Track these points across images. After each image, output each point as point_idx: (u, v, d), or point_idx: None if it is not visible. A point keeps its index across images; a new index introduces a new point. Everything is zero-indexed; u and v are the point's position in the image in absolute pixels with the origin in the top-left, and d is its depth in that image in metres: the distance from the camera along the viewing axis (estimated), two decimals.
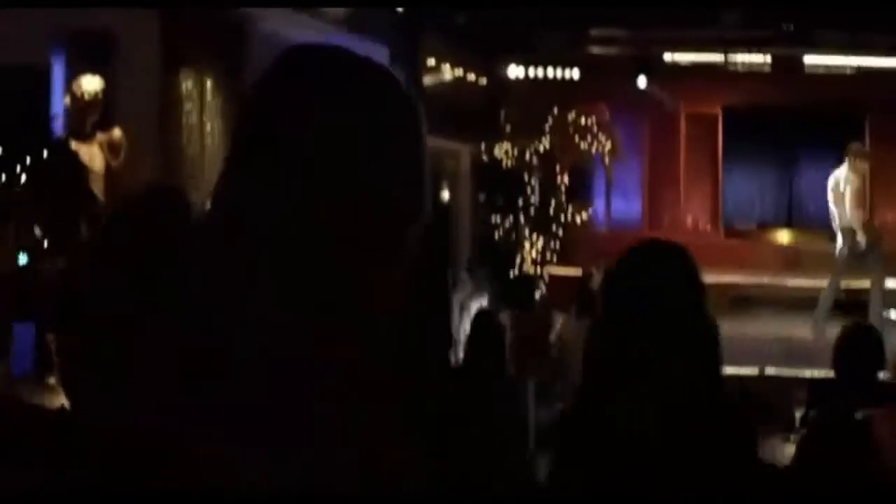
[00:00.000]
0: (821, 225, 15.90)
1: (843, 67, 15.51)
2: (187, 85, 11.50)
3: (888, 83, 15.17)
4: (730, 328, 11.65)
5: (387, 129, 1.45)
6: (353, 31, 13.31)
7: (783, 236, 16.56)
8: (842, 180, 11.86)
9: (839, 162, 16.12)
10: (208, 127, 11.76)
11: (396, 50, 14.24)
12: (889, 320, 11.54)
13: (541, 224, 14.63)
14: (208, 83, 11.81)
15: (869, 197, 16.21)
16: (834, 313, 11.88)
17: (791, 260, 15.42)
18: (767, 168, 17.18)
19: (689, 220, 16.85)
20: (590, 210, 15.46)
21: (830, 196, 11.92)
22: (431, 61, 15.29)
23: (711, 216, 16.81)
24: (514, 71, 16.27)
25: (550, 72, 16.14)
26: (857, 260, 11.80)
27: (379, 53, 13.96)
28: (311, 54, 1.51)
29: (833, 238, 15.54)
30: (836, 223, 11.93)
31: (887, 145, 16.10)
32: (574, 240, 14.89)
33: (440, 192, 16.33)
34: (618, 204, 17.05)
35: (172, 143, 11.17)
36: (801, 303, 13.05)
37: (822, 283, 13.63)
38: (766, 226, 16.90)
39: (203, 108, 11.70)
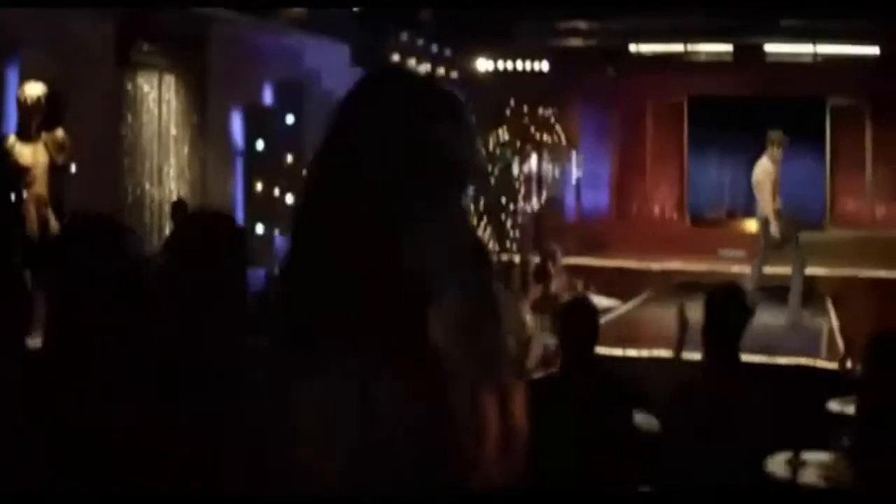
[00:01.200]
0: (789, 213, 16.20)
1: (804, 55, 15.62)
2: (145, 84, 11.70)
3: (847, 70, 15.38)
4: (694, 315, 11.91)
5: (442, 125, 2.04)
6: (313, 30, 13.48)
7: (752, 225, 16.66)
8: (761, 169, 11.82)
9: (807, 150, 16.41)
10: (167, 125, 11.96)
11: (357, 47, 14.43)
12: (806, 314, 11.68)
13: (496, 213, 14.79)
14: (167, 82, 12.00)
15: (830, 184, 16.46)
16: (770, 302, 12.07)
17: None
18: (735, 157, 16.92)
19: (656, 210, 16.95)
20: (550, 200, 15.60)
21: (754, 185, 11.86)
22: (396, 57, 15.47)
23: (677, 205, 16.88)
24: (484, 64, 16.48)
25: (519, 65, 16.36)
26: (777, 248, 11.69)
27: (339, 52, 14.21)
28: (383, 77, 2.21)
29: (806, 228, 15.78)
30: (758, 212, 11.86)
31: (848, 131, 16.41)
32: (543, 229, 15.06)
33: None
34: (586, 194, 17.14)
35: (130, 141, 11.35)
36: (770, 290, 13.14)
37: (790, 270, 13.86)
38: (736, 215, 16.91)
39: (161, 106, 11.88)
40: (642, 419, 5.78)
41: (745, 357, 9.33)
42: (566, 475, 4.84)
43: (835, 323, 10.82)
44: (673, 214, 16.76)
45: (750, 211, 16.51)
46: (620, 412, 5.22)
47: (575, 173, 17.08)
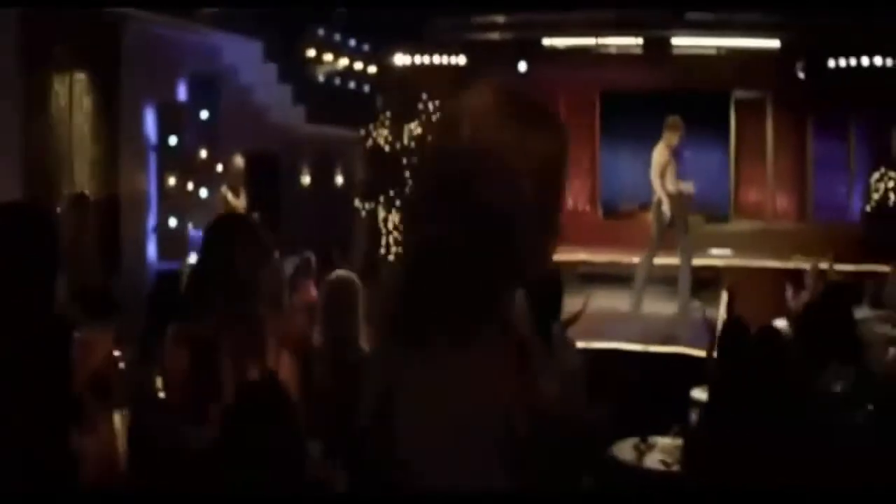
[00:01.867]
0: (701, 205, 16.52)
1: (709, 48, 15.98)
2: (55, 84, 11.76)
3: (750, 63, 15.73)
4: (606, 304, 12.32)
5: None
6: (227, 26, 13.67)
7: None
8: (656, 152, 12.31)
9: (714, 141, 16.79)
10: (79, 125, 12.03)
11: (271, 43, 14.65)
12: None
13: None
14: (79, 80, 12.06)
15: (734, 175, 16.80)
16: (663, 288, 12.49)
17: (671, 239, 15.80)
18: (647, 150, 17.12)
19: (570, 202, 16.99)
20: None
21: (651, 168, 12.29)
22: (312, 52, 15.70)
23: (590, 198, 17.12)
24: (401, 59, 16.70)
25: (437, 59, 16.56)
26: (666, 232, 12.19)
27: (253, 47, 14.45)
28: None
29: (712, 218, 16.19)
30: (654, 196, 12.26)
31: (751, 123, 16.77)
32: None
33: (334, 176, 16.83)
34: None
35: (38, 143, 11.39)
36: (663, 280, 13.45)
37: (700, 261, 14.08)
38: (648, 207, 17.07)
39: (72, 107, 11.94)
40: None
41: (632, 346, 9.79)
42: None
43: (721, 312, 11.12)
44: (586, 207, 17.02)
45: None
46: None
47: None
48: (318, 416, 4.73)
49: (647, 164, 16.69)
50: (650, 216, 12.32)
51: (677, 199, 12.01)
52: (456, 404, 1.81)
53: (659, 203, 11.98)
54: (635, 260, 12.82)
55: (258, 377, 4.16)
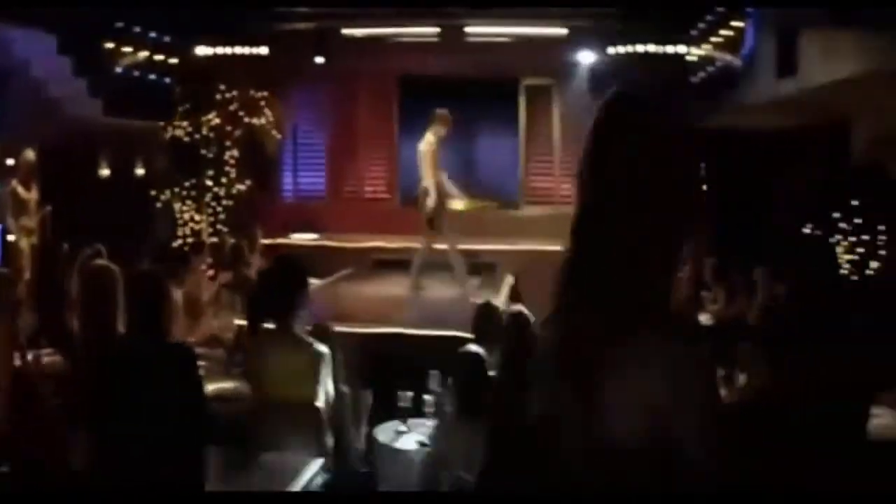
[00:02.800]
0: (497, 192, 16.93)
1: (501, 35, 16.21)
2: None
3: (538, 50, 16.07)
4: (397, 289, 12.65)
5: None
6: (17, 21, 13.51)
7: (459, 205, 16.90)
8: (422, 142, 12.66)
9: (505, 128, 17.20)
10: None
11: (66, 36, 14.50)
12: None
13: (202, 196, 15.03)
14: None
15: (524, 162, 17.32)
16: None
17: (463, 227, 16.13)
18: (446, 138, 17.35)
19: (369, 190, 17.36)
20: (261, 182, 15.92)
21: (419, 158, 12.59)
22: (111, 45, 15.57)
23: (388, 185, 17.25)
24: (202, 50, 16.67)
25: (238, 50, 16.56)
26: (430, 219, 12.57)
27: (45, 42, 14.32)
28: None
29: (503, 205, 16.67)
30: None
31: (540, 110, 17.24)
32: (248, 211, 15.43)
33: (134, 169, 16.76)
34: (303, 176, 17.60)
35: None
36: (475, 267, 13.84)
37: (501, 246, 14.73)
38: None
39: None
40: None
41: (413, 330, 10.05)
42: None
43: (502, 296, 11.46)
44: (384, 194, 17.17)
45: (462, 190, 17.24)
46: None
47: (290, 155, 17.54)
48: (79, 401, 4.96)
49: (444, 151, 17.07)
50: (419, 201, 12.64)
51: (440, 190, 12.43)
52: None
53: (426, 193, 12.35)
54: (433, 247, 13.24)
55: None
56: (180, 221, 14.96)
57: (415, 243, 14.44)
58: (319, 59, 16.37)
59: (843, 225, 11.34)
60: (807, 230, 11.95)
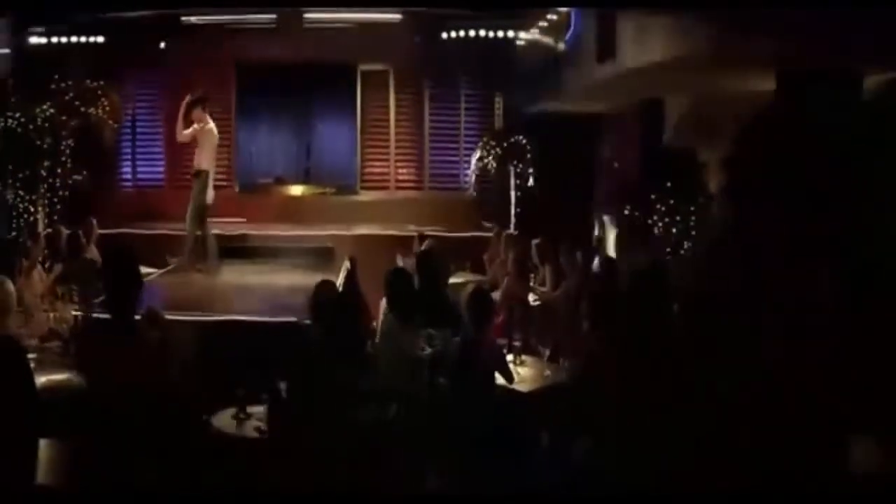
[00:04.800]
0: (335, 177, 17.20)
1: (338, 21, 16.46)
2: None
3: (374, 36, 16.36)
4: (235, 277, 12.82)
5: None
6: None
7: (298, 191, 17.21)
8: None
9: (342, 114, 17.39)
10: None
11: None
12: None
13: (36, 186, 14.86)
14: None
15: (361, 148, 17.46)
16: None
17: (302, 213, 16.44)
18: (285, 124, 17.60)
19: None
20: (95, 172, 15.84)
21: None
22: None
23: (227, 172, 17.12)
24: (37, 39, 16.48)
25: (74, 39, 16.37)
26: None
27: None
28: None
29: (341, 190, 16.94)
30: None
31: (376, 96, 17.39)
32: (100, 200, 15.48)
33: None
34: (142, 165, 17.53)
35: None
36: (309, 252, 14.11)
37: (339, 231, 14.87)
38: (284, 181, 17.40)
39: None
40: None
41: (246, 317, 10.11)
42: None
43: (339, 280, 11.68)
44: (224, 181, 16.90)
45: (300, 178, 17.44)
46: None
47: (128, 145, 17.46)
48: None
49: (283, 137, 17.33)
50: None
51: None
52: None
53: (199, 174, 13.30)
54: (271, 233, 13.45)
55: None
56: (14, 213, 14.74)
57: (254, 230, 14.77)
58: (161, 44, 16.56)
59: (659, 206, 11.90)
60: (626, 211, 12.50)
